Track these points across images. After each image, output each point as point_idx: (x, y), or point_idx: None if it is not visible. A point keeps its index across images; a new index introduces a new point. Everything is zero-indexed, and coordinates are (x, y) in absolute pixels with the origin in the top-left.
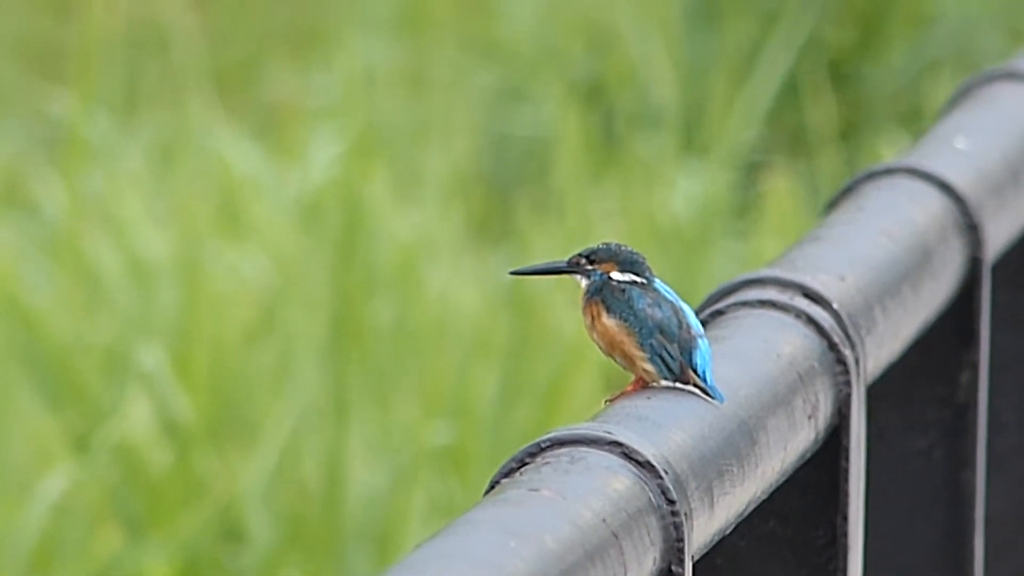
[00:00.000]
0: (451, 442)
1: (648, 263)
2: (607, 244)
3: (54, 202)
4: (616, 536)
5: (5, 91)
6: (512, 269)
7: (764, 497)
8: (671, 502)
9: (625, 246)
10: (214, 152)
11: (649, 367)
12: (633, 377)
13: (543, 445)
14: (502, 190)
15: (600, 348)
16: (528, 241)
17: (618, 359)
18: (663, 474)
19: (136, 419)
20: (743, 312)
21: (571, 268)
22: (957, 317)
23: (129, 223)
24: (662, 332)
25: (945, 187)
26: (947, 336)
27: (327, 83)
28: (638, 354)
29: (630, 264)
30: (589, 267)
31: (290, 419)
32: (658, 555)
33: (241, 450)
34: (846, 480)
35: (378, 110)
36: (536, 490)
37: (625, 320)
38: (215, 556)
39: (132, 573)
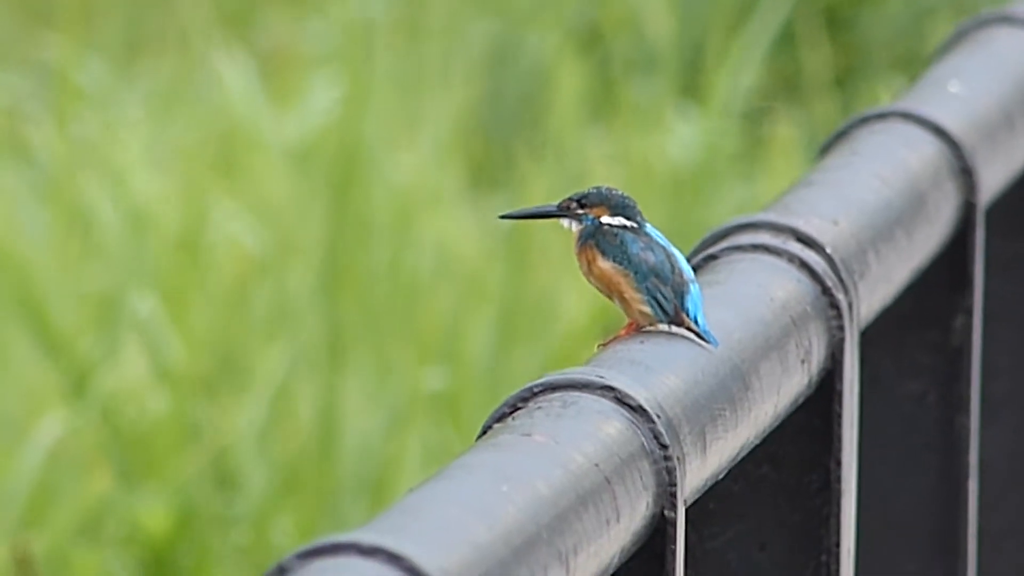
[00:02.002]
0: (445, 388)
1: (638, 207)
2: (598, 188)
3: (49, 149)
4: (608, 481)
5: (2, 40)
6: (503, 213)
7: (757, 442)
8: (664, 446)
9: (616, 190)
10: (213, 97)
11: (646, 308)
12: (626, 321)
13: (535, 390)
14: (499, 137)
15: (599, 290)
16: (525, 187)
17: (615, 301)
18: (655, 418)
19: (130, 366)
20: (736, 256)
21: (562, 212)
22: (951, 262)
23: (125, 170)
24: (656, 275)
25: (939, 131)
26: (941, 281)
27: (324, 30)
28: (635, 296)
29: (621, 208)
30: (580, 211)
31: (284, 366)
32: (651, 500)
33: (235, 397)
34: (839, 425)
35: (375, 58)
36: (528, 435)
37: (620, 263)
38: (209, 503)
39: (126, 519)
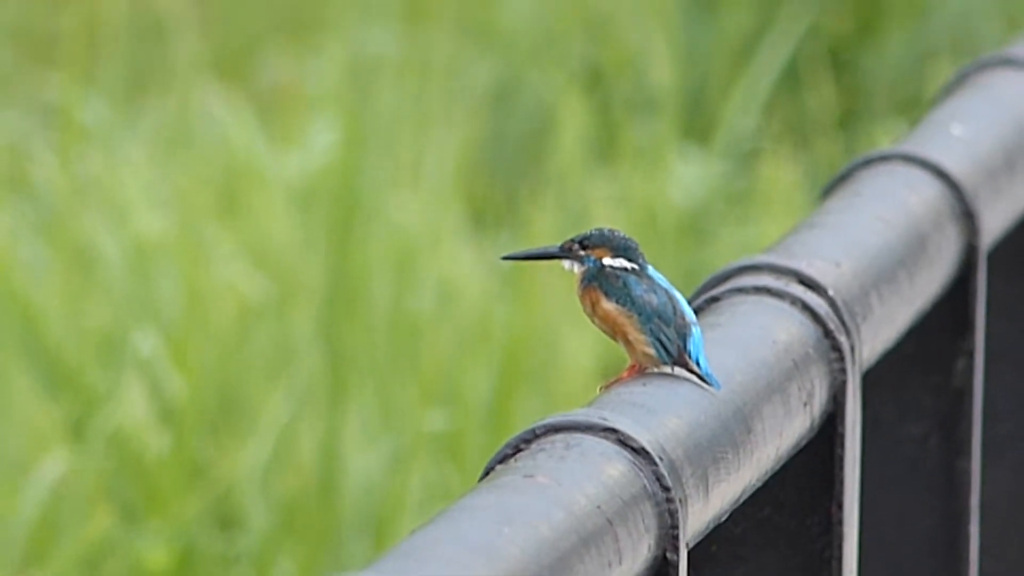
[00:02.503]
0: (447, 429)
1: (640, 249)
2: (600, 229)
3: (52, 187)
4: (611, 523)
5: (6, 78)
6: (505, 254)
7: (759, 484)
8: (666, 489)
9: (618, 231)
10: (214, 137)
11: (650, 351)
12: (629, 363)
13: (538, 431)
14: (502, 177)
15: (604, 332)
16: (527, 227)
17: (620, 342)
18: (658, 460)
19: (132, 405)
20: (739, 298)
21: (564, 253)
22: (953, 304)
23: (127, 208)
24: (659, 317)
25: (941, 174)
26: (943, 323)
27: (325, 69)
28: (639, 338)
29: (623, 250)
30: (582, 252)
31: (287, 405)
32: (653, 542)
33: (238, 436)
34: (841, 467)
35: (378, 97)
36: (531, 476)
37: (624, 305)
38: (211, 542)
39: (128, 559)
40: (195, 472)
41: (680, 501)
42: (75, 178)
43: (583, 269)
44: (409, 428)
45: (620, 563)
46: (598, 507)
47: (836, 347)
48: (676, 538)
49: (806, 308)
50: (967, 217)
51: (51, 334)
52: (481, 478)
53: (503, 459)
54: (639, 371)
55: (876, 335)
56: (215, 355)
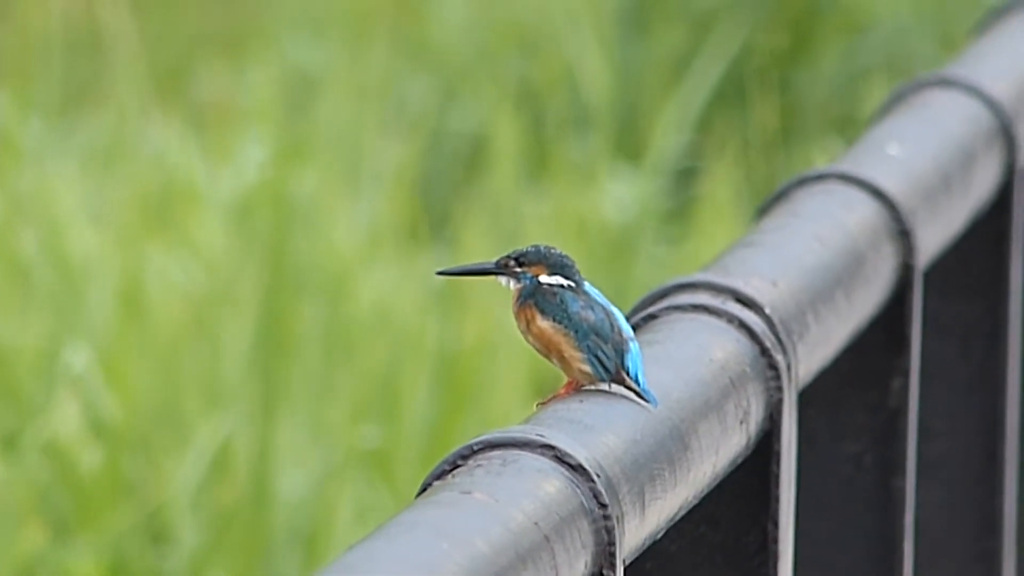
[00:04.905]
0: (379, 445)
1: (577, 266)
2: (536, 247)
3: None
4: (548, 539)
5: None
6: (440, 270)
7: (695, 502)
8: (603, 506)
9: (555, 248)
10: (148, 153)
11: (586, 368)
12: (565, 380)
13: (475, 447)
14: (436, 193)
15: (537, 350)
16: (461, 243)
17: (554, 361)
18: (595, 477)
19: (65, 419)
20: (676, 316)
21: (499, 270)
22: (889, 323)
23: (62, 224)
24: (596, 334)
25: (877, 193)
26: (878, 342)
27: (259, 84)
28: (575, 355)
29: (560, 267)
30: (518, 269)
31: (220, 422)
32: (590, 559)
33: (170, 452)
34: (777, 485)
35: (312, 112)
36: (468, 492)
37: (560, 322)
38: (142, 557)
39: (58, 572)
40: (127, 487)
41: (617, 518)
42: (10, 193)
43: (519, 286)
44: (341, 444)
45: None
46: (535, 524)
47: (773, 365)
48: (613, 555)
49: (743, 326)
50: (903, 236)
51: None
52: (418, 494)
53: (440, 475)
54: (576, 388)
55: (812, 353)
56: (149, 371)
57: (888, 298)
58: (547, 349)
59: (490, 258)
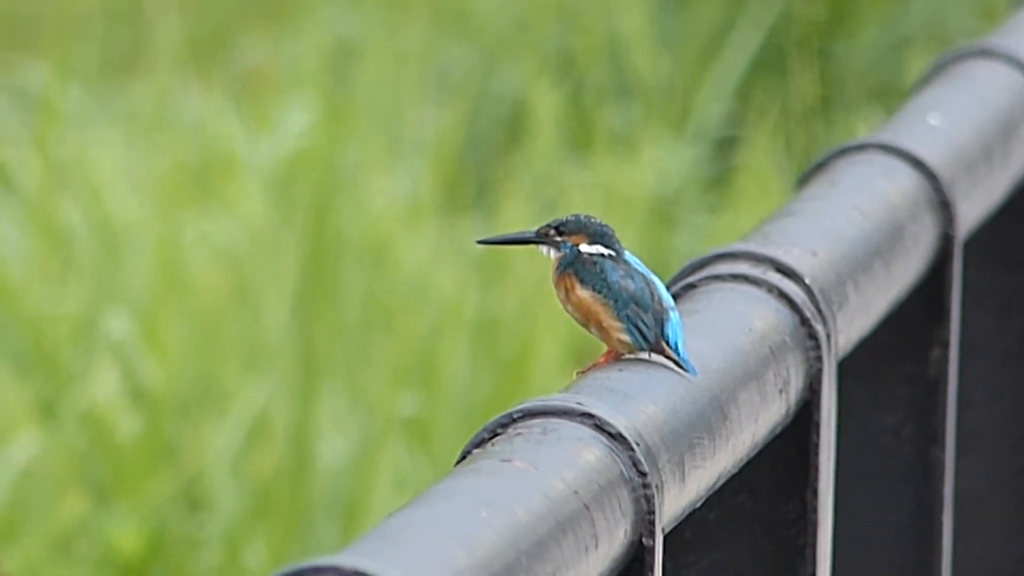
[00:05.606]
0: (419, 413)
1: (616, 235)
2: (576, 216)
3: (27, 171)
4: (587, 508)
5: None
6: (480, 239)
7: (735, 471)
8: (643, 474)
9: (594, 218)
10: (188, 121)
11: (625, 337)
12: (605, 349)
13: (515, 416)
14: (477, 162)
15: (576, 319)
16: (501, 212)
17: (593, 330)
18: (635, 446)
19: (104, 386)
20: (715, 286)
21: (540, 239)
22: (928, 294)
23: (102, 191)
24: (636, 303)
25: (918, 163)
26: (918, 313)
27: (301, 52)
28: (614, 324)
29: (600, 236)
30: (558, 238)
31: (259, 389)
32: (629, 527)
33: (209, 419)
34: (816, 454)
35: (352, 80)
36: (508, 461)
37: (599, 292)
38: (182, 524)
39: (99, 540)
40: (166, 454)
41: (656, 487)
42: (51, 160)
43: (559, 255)
44: (381, 412)
45: (596, 548)
46: (575, 492)
47: (812, 335)
48: (652, 523)
49: (783, 296)
50: (943, 207)
51: (25, 316)
52: (458, 462)
53: (480, 443)
54: (615, 357)
55: (852, 324)
56: (189, 338)
57: (928, 268)
58: (586, 318)
59: (530, 227)
